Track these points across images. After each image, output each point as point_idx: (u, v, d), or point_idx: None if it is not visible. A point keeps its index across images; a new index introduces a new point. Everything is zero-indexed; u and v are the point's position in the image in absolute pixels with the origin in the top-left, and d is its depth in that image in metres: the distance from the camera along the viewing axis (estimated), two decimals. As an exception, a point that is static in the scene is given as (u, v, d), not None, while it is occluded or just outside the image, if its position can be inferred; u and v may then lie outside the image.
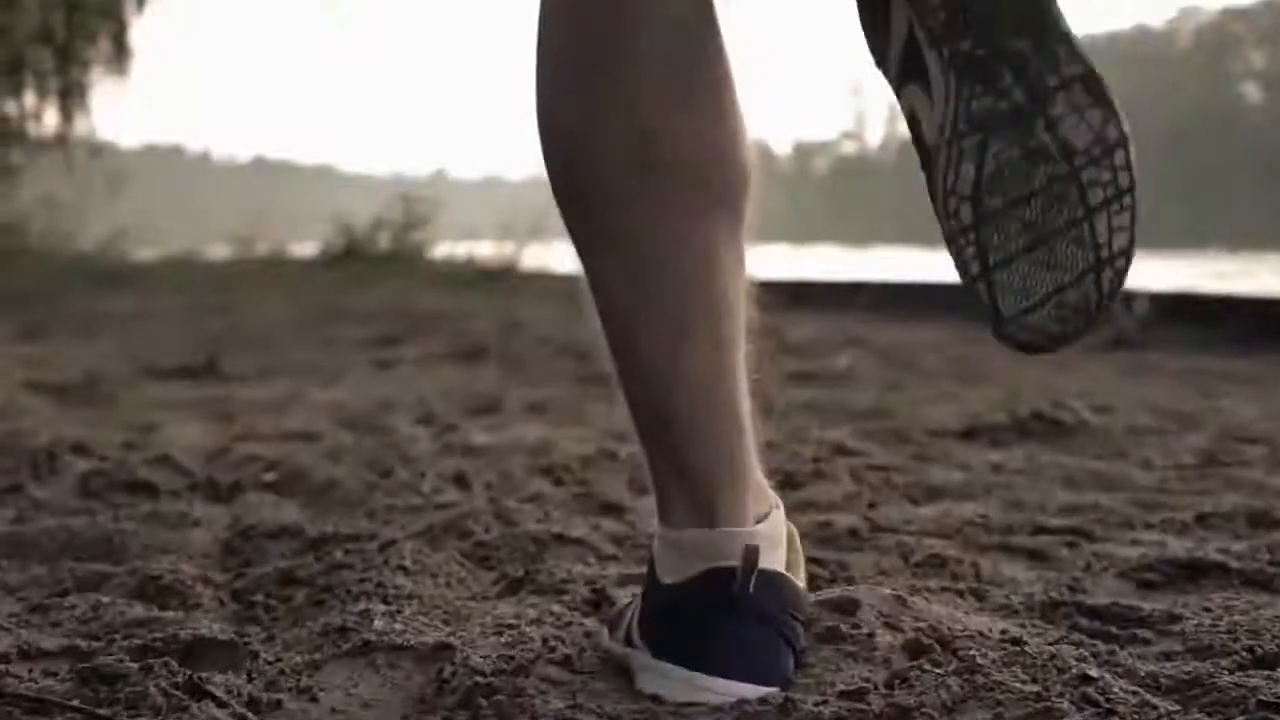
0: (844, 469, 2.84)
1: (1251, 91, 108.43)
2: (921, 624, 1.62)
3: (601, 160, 1.53)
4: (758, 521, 1.55)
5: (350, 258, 15.86)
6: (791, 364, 6.05)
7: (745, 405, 1.58)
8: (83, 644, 1.67)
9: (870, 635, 1.59)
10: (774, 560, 1.54)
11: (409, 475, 2.79)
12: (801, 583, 1.60)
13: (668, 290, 1.54)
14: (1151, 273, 13.47)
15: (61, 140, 20.82)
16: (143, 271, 14.90)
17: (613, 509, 2.52)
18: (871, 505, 2.53)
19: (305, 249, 18.20)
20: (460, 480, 2.79)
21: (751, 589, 1.50)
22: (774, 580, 1.53)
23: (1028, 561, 2.16)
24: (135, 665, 1.50)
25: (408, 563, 1.95)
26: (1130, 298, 8.31)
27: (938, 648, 1.56)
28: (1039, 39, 1.41)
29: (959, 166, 1.43)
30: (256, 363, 5.91)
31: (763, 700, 1.45)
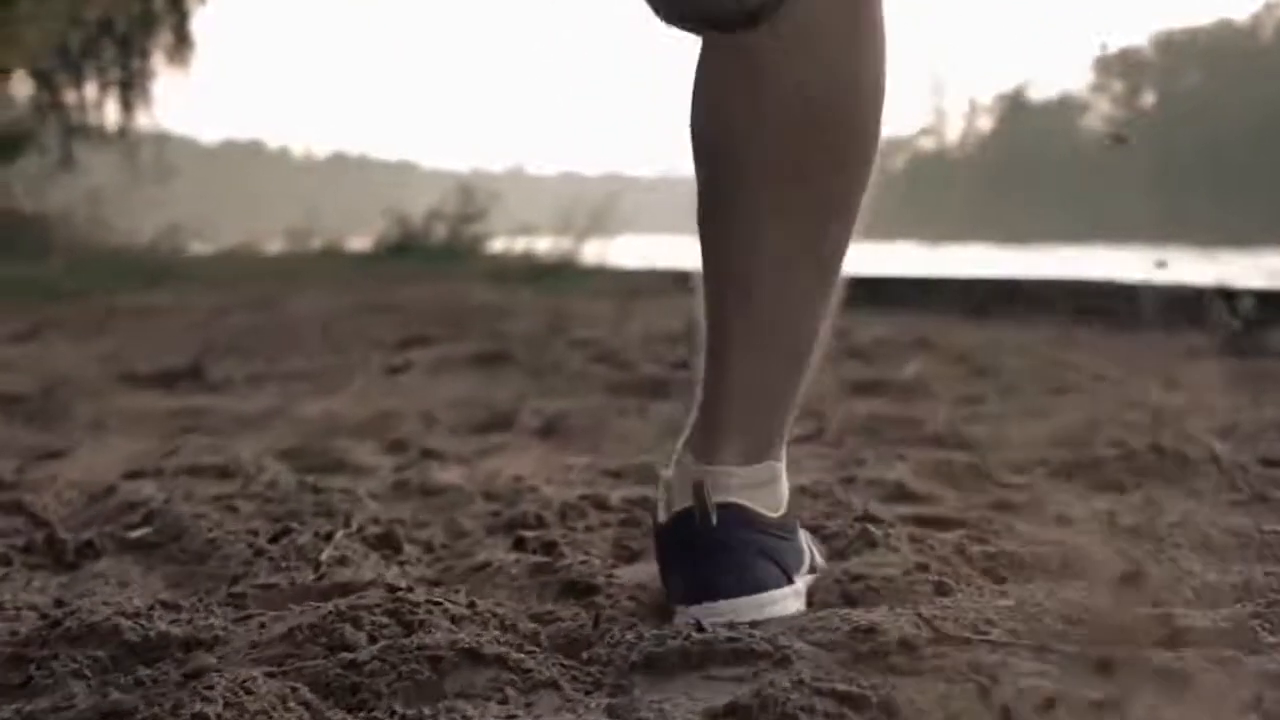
0: (902, 531, 2.09)
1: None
2: None
3: (739, 157, 1.64)
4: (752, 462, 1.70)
5: (404, 251, 15.26)
6: (854, 370, 5.35)
7: (808, 372, 1.74)
8: None
9: None
10: (753, 499, 1.69)
11: (312, 537, 2.08)
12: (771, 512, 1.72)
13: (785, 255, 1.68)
14: (1250, 269, 12.71)
15: (122, 132, 20.42)
16: (192, 265, 14.38)
17: (577, 592, 1.82)
18: (939, 589, 1.80)
19: (363, 242, 17.73)
20: (386, 543, 2.10)
21: (714, 522, 1.64)
22: (732, 509, 1.66)
23: (1176, 687, 1.40)
24: None
25: (217, 707, 1.25)
26: (1232, 295, 7.60)
27: None
28: None
29: None
30: (254, 367, 5.26)
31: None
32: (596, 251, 13.66)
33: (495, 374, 5.12)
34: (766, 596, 1.65)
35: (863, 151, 1.71)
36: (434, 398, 4.53)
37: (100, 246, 14.84)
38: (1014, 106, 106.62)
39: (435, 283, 11.56)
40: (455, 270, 12.98)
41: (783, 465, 1.76)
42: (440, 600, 1.61)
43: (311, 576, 1.89)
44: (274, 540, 2.06)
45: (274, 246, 18.45)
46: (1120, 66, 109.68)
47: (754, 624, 1.59)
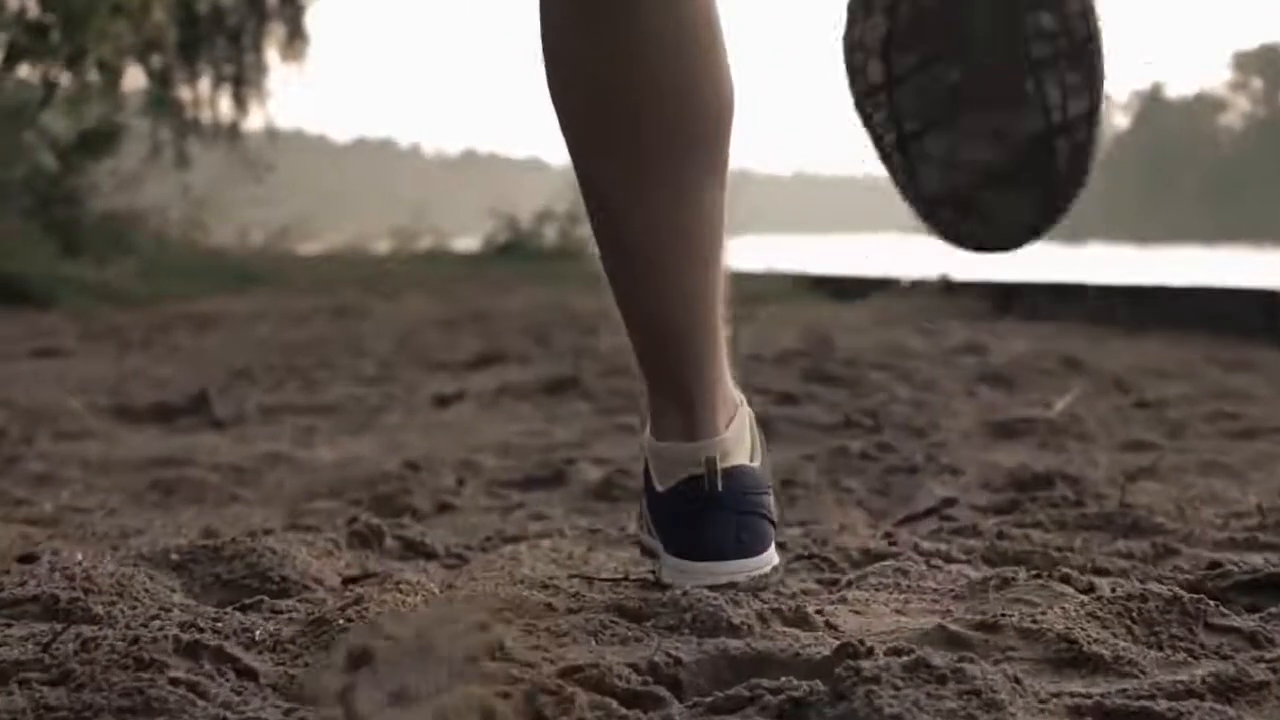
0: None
1: None
2: None
3: (601, 94, 1.65)
4: (727, 426, 1.80)
5: (511, 252, 14.53)
6: (993, 401, 4.49)
7: (720, 318, 1.78)
8: None
9: None
10: (740, 454, 1.82)
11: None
12: (758, 460, 1.85)
13: (656, 227, 1.70)
14: None
15: (233, 129, 19.91)
16: (290, 267, 13.71)
17: None
18: None
19: (472, 242, 17.09)
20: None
21: (720, 488, 1.78)
22: (737, 473, 1.80)
23: None
24: None
25: None
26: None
27: None
28: None
29: (868, 15, 1.25)
30: (280, 396, 4.50)
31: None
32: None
33: (560, 406, 4.33)
34: (761, 560, 1.82)
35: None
36: (477, 438, 3.74)
37: (193, 248, 14.23)
38: (1150, 104, 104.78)
39: (535, 287, 10.82)
40: (562, 272, 12.22)
41: (745, 406, 1.86)
42: None
43: None
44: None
45: (382, 247, 17.90)
46: (1259, 63, 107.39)
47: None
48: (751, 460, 1.85)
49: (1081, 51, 1.23)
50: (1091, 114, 1.25)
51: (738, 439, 1.82)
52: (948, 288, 9.58)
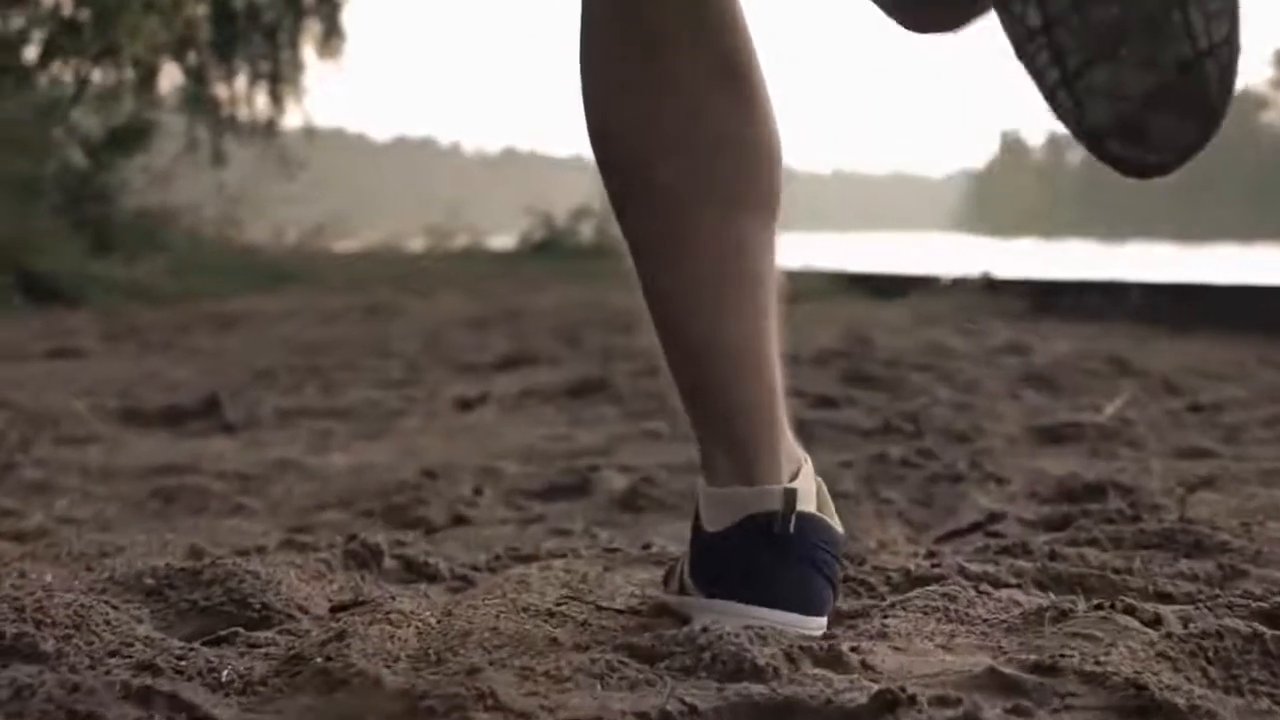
0: None
1: None
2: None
3: (642, 138, 1.63)
4: (791, 479, 1.66)
5: (547, 250, 14.36)
6: (1038, 404, 4.31)
7: (777, 369, 1.69)
8: None
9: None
10: (808, 506, 1.65)
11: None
12: (834, 524, 1.69)
13: (707, 271, 1.63)
14: None
15: (269, 126, 19.81)
16: (325, 266, 13.58)
17: None
18: None
19: (508, 240, 16.94)
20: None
21: (791, 529, 1.62)
22: (810, 520, 1.65)
23: None
24: None
25: None
26: None
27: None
28: None
29: None
30: (296, 400, 4.34)
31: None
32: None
33: (587, 409, 4.15)
34: (814, 622, 1.63)
35: None
36: (500, 444, 3.58)
37: (227, 246, 14.10)
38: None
39: (569, 285, 10.66)
40: (597, 270, 12.05)
41: (810, 465, 1.72)
42: None
43: None
44: None
45: (417, 245, 17.79)
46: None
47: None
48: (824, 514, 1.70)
49: None
50: (1231, 37, 1.33)
51: (805, 494, 1.67)
52: (989, 286, 9.40)
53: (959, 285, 9.66)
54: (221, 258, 12.81)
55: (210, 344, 6.36)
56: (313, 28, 20.20)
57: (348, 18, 21.74)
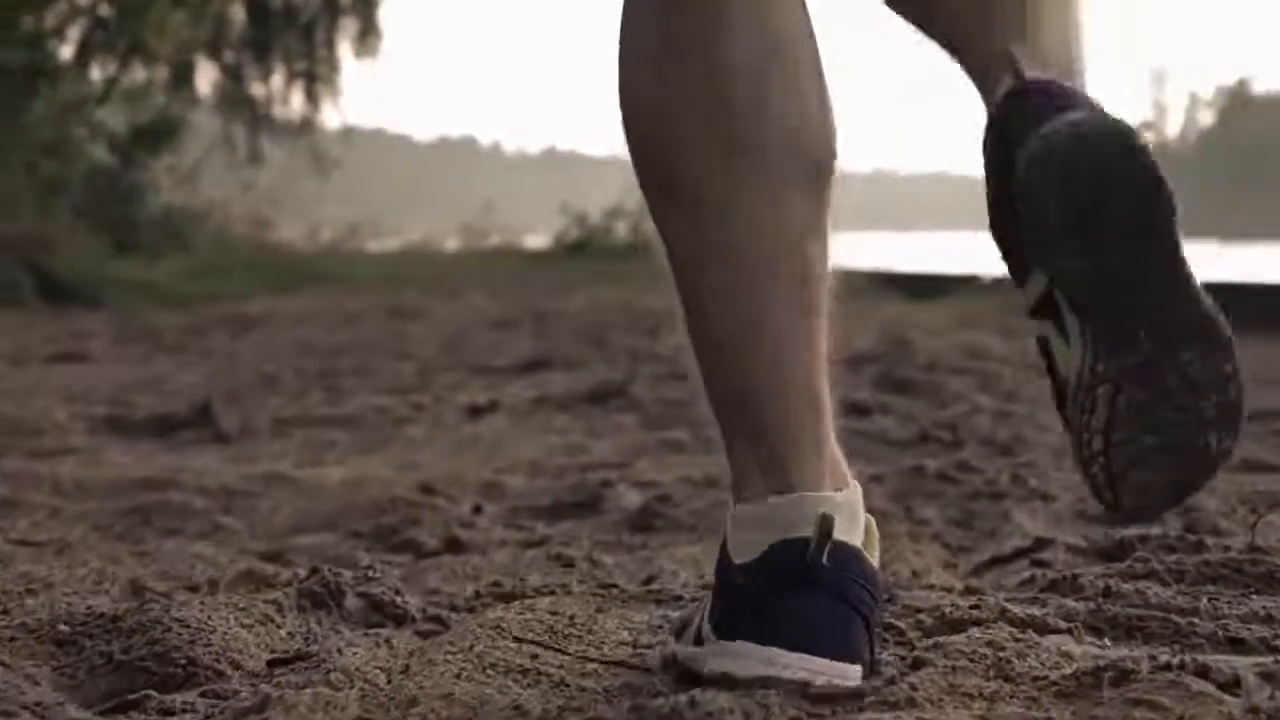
0: None
1: None
2: None
3: (686, 132, 1.49)
4: (835, 491, 1.47)
5: (581, 249, 14.16)
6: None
7: (824, 377, 1.54)
8: None
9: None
10: (851, 537, 1.45)
11: None
12: (876, 564, 1.49)
13: (751, 270, 1.49)
14: None
15: (307, 125, 19.71)
16: (357, 265, 13.41)
17: None
18: None
19: (543, 240, 16.79)
20: None
21: (825, 560, 1.41)
22: (848, 552, 1.44)
23: None
24: None
25: None
26: None
27: None
28: (1172, 300, 1.44)
29: (1093, 409, 1.42)
30: (299, 406, 4.12)
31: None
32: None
33: (604, 418, 3.92)
34: (847, 670, 1.39)
35: None
36: (507, 455, 3.35)
37: (258, 244, 13.95)
38: (1236, 100, 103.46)
39: (600, 286, 10.44)
40: (629, 271, 11.83)
41: (856, 485, 1.52)
42: None
43: None
44: None
45: (452, 245, 17.65)
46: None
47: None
48: (866, 550, 1.49)
49: (1236, 413, 1.45)
50: (1232, 447, 1.45)
51: (850, 515, 1.47)
52: (1031, 286, 9.14)
53: (1000, 285, 9.41)
54: (250, 257, 12.65)
55: (224, 347, 6.17)
56: (349, 27, 20.10)
57: (385, 17, 21.60)
